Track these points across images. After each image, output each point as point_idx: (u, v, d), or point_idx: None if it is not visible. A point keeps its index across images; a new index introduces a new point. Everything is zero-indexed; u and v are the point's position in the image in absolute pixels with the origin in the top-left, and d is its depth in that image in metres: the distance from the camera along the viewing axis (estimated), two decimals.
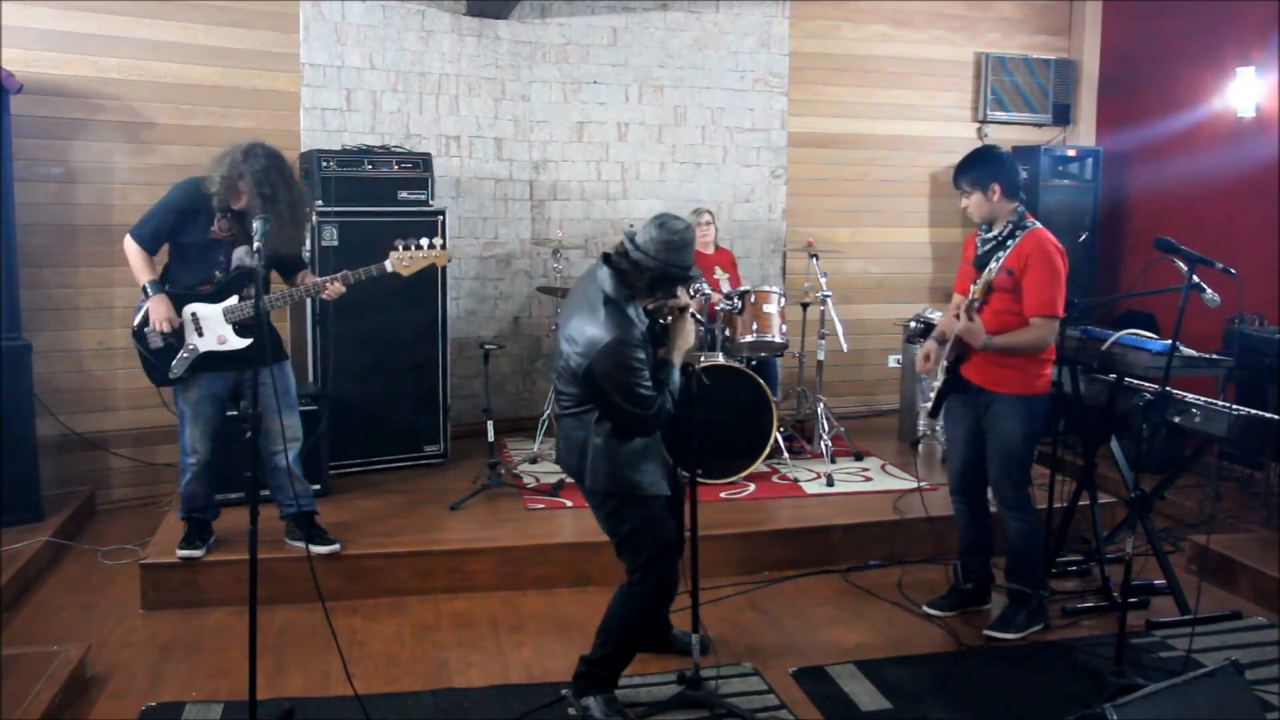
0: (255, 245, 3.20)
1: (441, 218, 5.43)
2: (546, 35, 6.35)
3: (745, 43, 6.72)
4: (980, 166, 3.81)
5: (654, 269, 3.09)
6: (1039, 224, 3.83)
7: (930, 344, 4.06)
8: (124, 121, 5.29)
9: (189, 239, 4.03)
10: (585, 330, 3.09)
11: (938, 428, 5.77)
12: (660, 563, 3.22)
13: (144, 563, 4.19)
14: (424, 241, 4.19)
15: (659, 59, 6.58)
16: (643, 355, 3.09)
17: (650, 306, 3.23)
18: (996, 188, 3.77)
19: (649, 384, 3.10)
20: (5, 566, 4.21)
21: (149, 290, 3.98)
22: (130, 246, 4.00)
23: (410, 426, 5.52)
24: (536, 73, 6.36)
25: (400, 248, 4.15)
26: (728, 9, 6.66)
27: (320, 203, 5.13)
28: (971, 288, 3.80)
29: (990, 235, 3.85)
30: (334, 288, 4.09)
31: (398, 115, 5.97)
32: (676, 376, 3.22)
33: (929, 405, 4.14)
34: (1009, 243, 3.77)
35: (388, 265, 4.13)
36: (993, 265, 3.75)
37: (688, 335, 3.25)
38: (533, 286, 6.44)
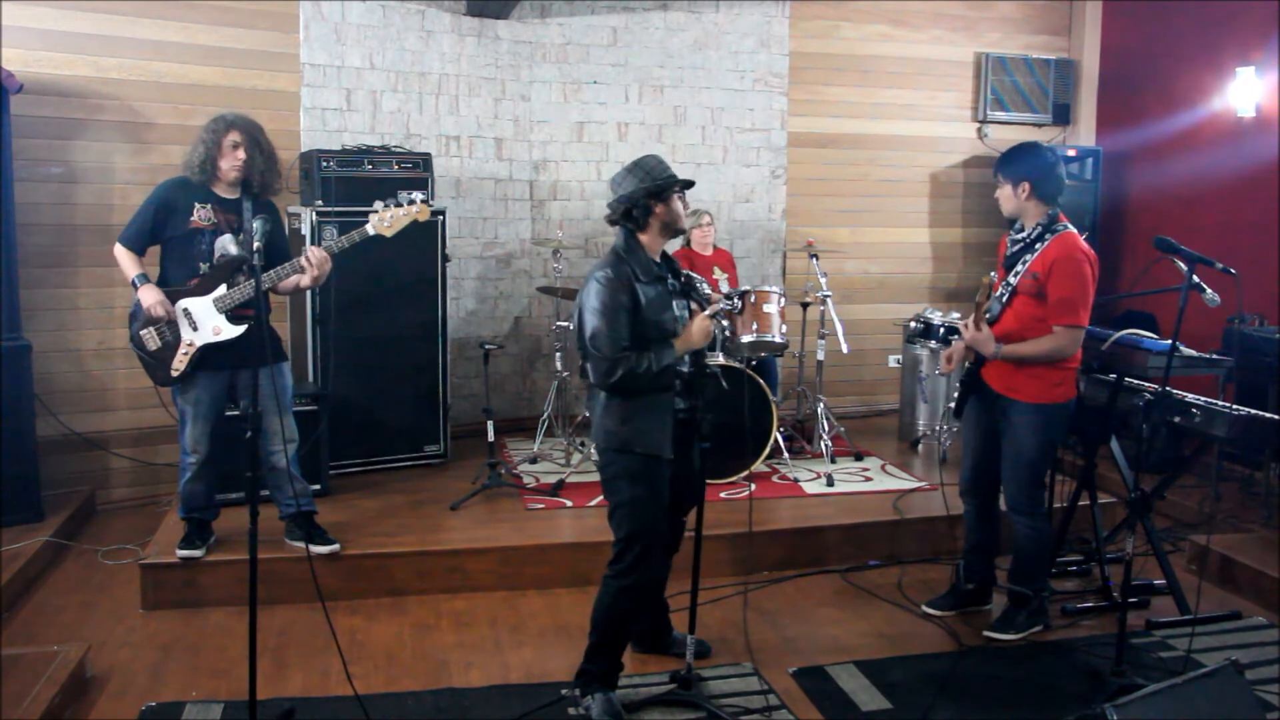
0: (256, 245, 3.22)
1: (441, 218, 5.43)
2: (546, 35, 6.35)
3: (745, 43, 6.72)
4: (1019, 161, 3.73)
5: (624, 194, 3.26)
6: (1071, 228, 3.72)
7: (957, 346, 3.97)
8: (124, 121, 5.29)
9: (171, 234, 4.03)
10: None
11: (936, 429, 5.77)
12: (637, 544, 3.22)
13: (144, 563, 4.19)
14: (403, 198, 4.05)
15: (659, 59, 6.58)
16: (621, 297, 3.12)
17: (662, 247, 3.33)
18: (1026, 186, 3.69)
19: (617, 329, 3.11)
20: (5, 566, 4.21)
21: (137, 283, 3.99)
22: (118, 250, 4.05)
23: (410, 426, 5.52)
24: (536, 73, 6.36)
25: (380, 208, 4.02)
26: (728, 9, 6.66)
27: (320, 203, 5.14)
28: (998, 291, 3.76)
29: (1019, 237, 3.78)
30: (317, 255, 3.95)
31: (398, 115, 5.97)
32: (666, 357, 3.17)
33: (952, 405, 4.09)
34: (1037, 246, 3.69)
35: (369, 229, 4.01)
36: (1020, 268, 3.70)
37: (699, 335, 3.21)
38: (533, 286, 6.44)
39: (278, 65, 5.63)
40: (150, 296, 3.96)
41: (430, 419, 5.56)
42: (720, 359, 5.23)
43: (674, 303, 3.31)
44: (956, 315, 5.61)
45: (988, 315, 3.77)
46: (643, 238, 3.28)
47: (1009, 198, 3.74)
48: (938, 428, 5.89)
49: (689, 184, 3.34)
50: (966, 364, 3.91)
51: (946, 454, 5.63)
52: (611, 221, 3.33)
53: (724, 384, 3.41)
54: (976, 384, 3.89)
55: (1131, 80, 6.91)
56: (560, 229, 6.16)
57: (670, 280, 3.35)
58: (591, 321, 3.14)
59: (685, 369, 3.31)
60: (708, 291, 3.35)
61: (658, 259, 3.32)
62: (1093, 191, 6.87)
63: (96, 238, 5.15)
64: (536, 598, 4.30)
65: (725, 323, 3.24)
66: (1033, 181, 3.69)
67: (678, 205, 3.30)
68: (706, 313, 3.20)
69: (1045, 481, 3.92)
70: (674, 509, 3.49)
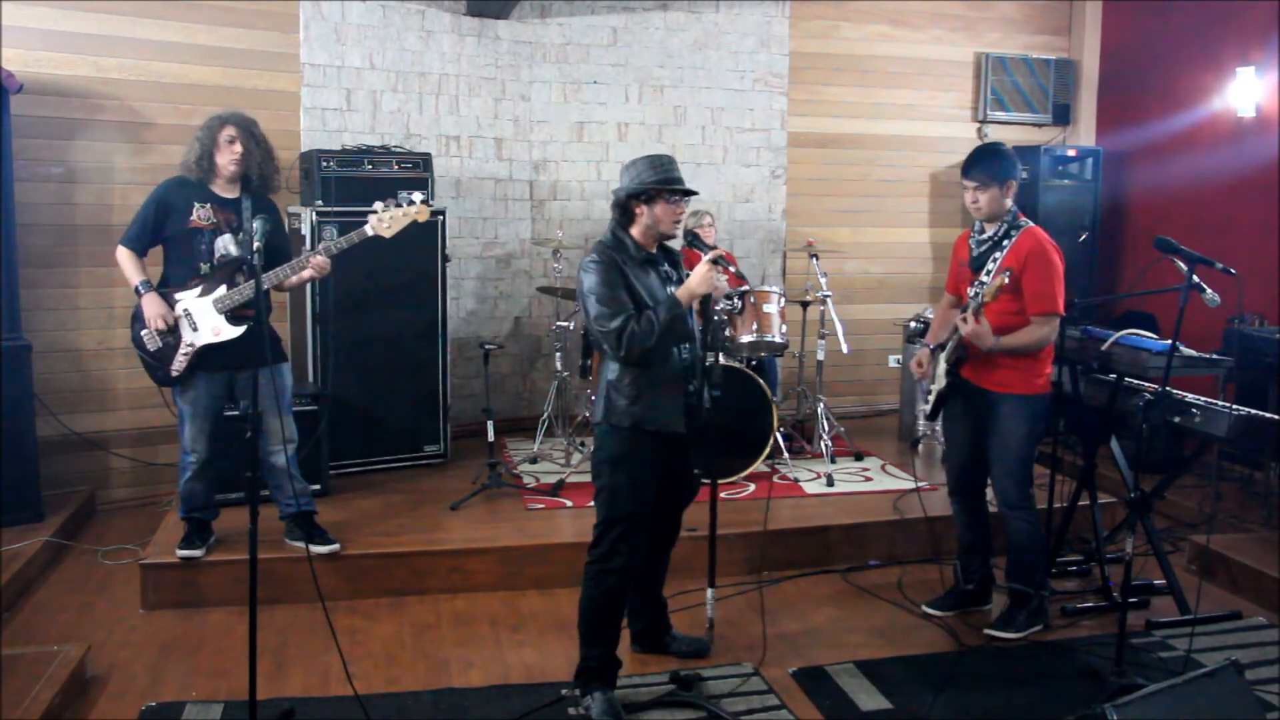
0: (256, 245, 3.22)
1: (441, 218, 5.43)
2: (546, 35, 6.35)
3: (745, 43, 6.72)
4: (998, 162, 3.78)
5: (617, 189, 3.29)
6: (1032, 223, 3.82)
7: (923, 351, 4.04)
8: (124, 121, 5.29)
9: (170, 233, 4.04)
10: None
11: (936, 428, 5.76)
12: (614, 529, 3.26)
13: (144, 563, 4.19)
14: (403, 198, 4.04)
15: (659, 59, 6.58)
16: (614, 275, 3.17)
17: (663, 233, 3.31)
18: (1012, 185, 3.78)
19: (618, 301, 3.15)
20: (5, 566, 4.21)
21: (140, 290, 4.01)
22: (120, 253, 4.05)
23: (410, 426, 5.51)
24: (536, 73, 6.36)
25: (380, 208, 4.01)
26: (728, 9, 6.66)
27: (320, 203, 5.14)
28: (971, 290, 3.77)
29: (985, 236, 3.84)
30: (317, 260, 4.00)
31: (398, 115, 5.97)
32: (667, 308, 3.18)
33: (927, 407, 4.12)
34: (1005, 243, 3.76)
35: (368, 229, 4.00)
36: (990, 266, 3.73)
37: (699, 281, 3.19)
38: (533, 286, 6.44)
39: (278, 65, 5.63)
40: (152, 309, 3.97)
41: (430, 419, 5.56)
42: (720, 358, 5.23)
43: (669, 288, 3.33)
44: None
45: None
46: (632, 230, 3.31)
47: (995, 199, 3.78)
48: (938, 428, 5.87)
49: (687, 191, 3.29)
50: (945, 364, 3.92)
51: (946, 454, 5.63)
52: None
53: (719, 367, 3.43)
54: (957, 383, 3.92)
55: (1131, 80, 6.92)
56: (560, 229, 6.16)
57: (665, 268, 3.37)
58: (591, 303, 3.19)
59: (685, 355, 3.34)
60: (710, 242, 3.32)
61: (651, 249, 3.33)
62: (1092, 191, 6.88)
63: (96, 238, 5.16)
64: (536, 598, 4.30)
65: (724, 278, 3.26)
66: (1016, 180, 3.80)
67: (661, 211, 3.24)
68: (706, 258, 3.19)
69: (1033, 476, 3.94)
70: (671, 505, 3.50)
